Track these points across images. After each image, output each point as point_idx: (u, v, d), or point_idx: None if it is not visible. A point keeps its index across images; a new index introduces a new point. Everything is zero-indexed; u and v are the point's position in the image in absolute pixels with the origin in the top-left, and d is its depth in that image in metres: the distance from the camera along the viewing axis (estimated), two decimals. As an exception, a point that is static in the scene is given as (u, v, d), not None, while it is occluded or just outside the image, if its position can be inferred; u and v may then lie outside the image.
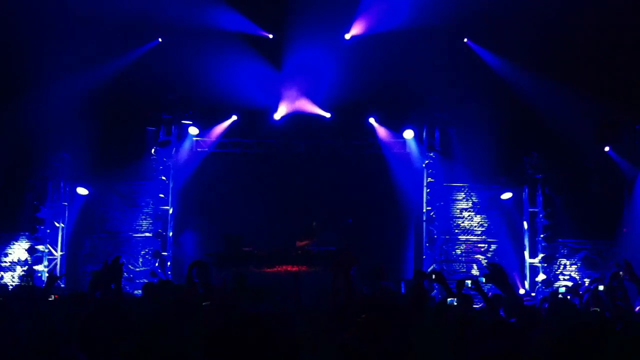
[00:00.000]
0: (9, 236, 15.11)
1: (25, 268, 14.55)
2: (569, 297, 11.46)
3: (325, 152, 15.61)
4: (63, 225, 15.26)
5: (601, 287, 8.25)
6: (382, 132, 15.43)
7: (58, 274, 14.90)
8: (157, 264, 14.99)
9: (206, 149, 15.82)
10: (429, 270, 14.62)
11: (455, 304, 8.01)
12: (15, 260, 14.90)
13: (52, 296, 8.49)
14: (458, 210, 15.49)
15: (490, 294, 7.62)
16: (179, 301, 5.92)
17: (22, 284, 13.18)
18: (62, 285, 14.64)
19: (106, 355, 3.81)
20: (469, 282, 6.50)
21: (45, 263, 14.84)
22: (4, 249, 15.08)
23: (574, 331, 3.50)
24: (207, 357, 2.84)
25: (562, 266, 14.97)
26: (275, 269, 12.57)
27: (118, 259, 6.28)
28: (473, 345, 3.83)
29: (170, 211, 15.53)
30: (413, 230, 15.68)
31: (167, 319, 4.18)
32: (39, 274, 14.56)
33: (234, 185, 15.69)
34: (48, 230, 14.95)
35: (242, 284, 6.69)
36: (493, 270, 5.40)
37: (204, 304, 6.36)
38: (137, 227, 15.54)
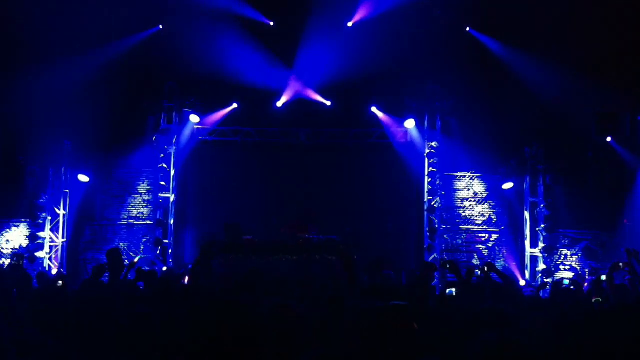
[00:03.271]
0: (9, 222, 15.10)
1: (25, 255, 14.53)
2: (572, 288, 11.48)
3: (326, 140, 15.59)
4: (65, 213, 15.26)
5: (603, 277, 8.27)
6: (383, 120, 15.40)
7: (59, 262, 14.95)
8: (158, 252, 15.01)
9: (207, 137, 15.80)
10: (430, 259, 14.65)
11: (454, 294, 8.03)
12: (17, 247, 14.88)
13: (60, 282, 8.57)
14: (459, 200, 15.49)
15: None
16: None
17: (13, 263, 13.19)
18: (64, 272, 14.68)
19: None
20: (478, 271, 6.55)
21: (47, 250, 14.85)
22: (3, 235, 15.07)
23: (576, 320, 3.50)
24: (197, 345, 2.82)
25: (563, 256, 14.98)
26: (277, 258, 12.57)
27: (117, 251, 6.32)
28: (470, 334, 3.83)
29: (172, 199, 15.52)
30: (415, 220, 15.68)
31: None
32: (41, 260, 14.60)
33: (235, 173, 15.70)
34: (49, 217, 14.95)
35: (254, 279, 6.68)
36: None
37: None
38: (138, 215, 15.54)
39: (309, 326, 3.68)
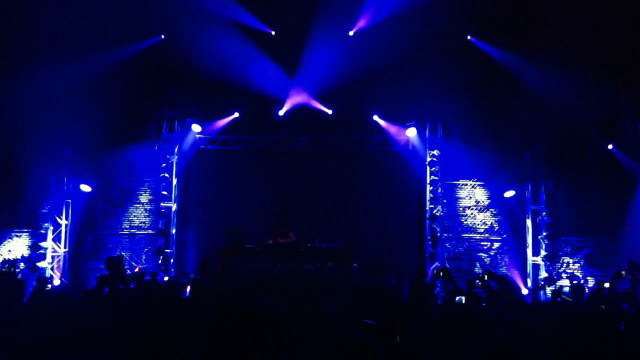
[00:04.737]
0: (10, 232, 15.07)
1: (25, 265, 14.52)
2: (569, 295, 11.47)
3: (327, 148, 15.62)
4: (67, 222, 15.26)
5: (606, 285, 8.26)
6: (385, 128, 15.42)
7: (61, 271, 14.94)
8: (160, 261, 15.00)
9: (209, 146, 15.84)
10: (432, 268, 14.63)
11: (464, 302, 8.02)
12: (19, 257, 14.86)
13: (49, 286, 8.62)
14: (461, 208, 15.47)
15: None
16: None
17: (4, 269, 13.17)
18: (66, 282, 14.68)
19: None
20: (478, 281, 6.55)
21: (49, 259, 14.84)
22: (5, 244, 15.05)
23: (574, 326, 3.50)
24: (205, 349, 2.83)
25: (565, 264, 14.94)
26: (278, 264, 12.55)
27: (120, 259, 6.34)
28: (475, 341, 3.82)
29: (174, 208, 15.53)
30: (416, 228, 15.67)
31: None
32: (43, 270, 14.58)
33: (236, 181, 15.71)
34: (51, 227, 14.96)
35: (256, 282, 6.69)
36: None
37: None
38: (140, 224, 15.54)
39: (295, 328, 3.67)
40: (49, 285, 10.00)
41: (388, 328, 4.17)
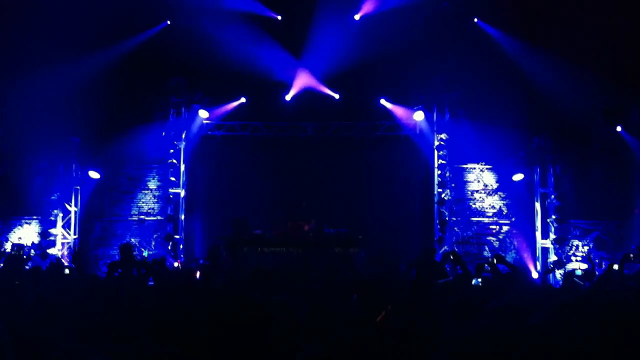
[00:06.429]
0: (20, 220, 15.14)
1: (36, 252, 14.60)
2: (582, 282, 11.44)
3: (334, 134, 15.57)
4: (76, 209, 15.32)
5: (615, 267, 8.23)
6: (393, 112, 15.36)
7: (71, 258, 15.03)
8: (169, 247, 15.05)
9: (216, 132, 15.83)
10: (441, 252, 14.61)
11: (480, 284, 8.01)
12: (29, 244, 14.94)
13: (66, 270, 8.71)
14: (469, 192, 15.42)
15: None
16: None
17: (13, 253, 13.25)
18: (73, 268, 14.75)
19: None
20: (487, 265, 6.53)
21: (59, 246, 14.93)
22: (15, 232, 15.13)
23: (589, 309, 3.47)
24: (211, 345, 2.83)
25: (574, 247, 14.89)
26: (284, 251, 12.58)
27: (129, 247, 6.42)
28: (476, 325, 3.81)
29: (182, 194, 15.55)
30: (424, 213, 15.63)
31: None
32: (53, 257, 14.66)
33: (243, 167, 15.71)
34: (61, 214, 15.03)
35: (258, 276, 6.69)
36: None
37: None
38: (149, 210, 15.58)
39: (307, 324, 3.67)
40: (67, 270, 10.03)
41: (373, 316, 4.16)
